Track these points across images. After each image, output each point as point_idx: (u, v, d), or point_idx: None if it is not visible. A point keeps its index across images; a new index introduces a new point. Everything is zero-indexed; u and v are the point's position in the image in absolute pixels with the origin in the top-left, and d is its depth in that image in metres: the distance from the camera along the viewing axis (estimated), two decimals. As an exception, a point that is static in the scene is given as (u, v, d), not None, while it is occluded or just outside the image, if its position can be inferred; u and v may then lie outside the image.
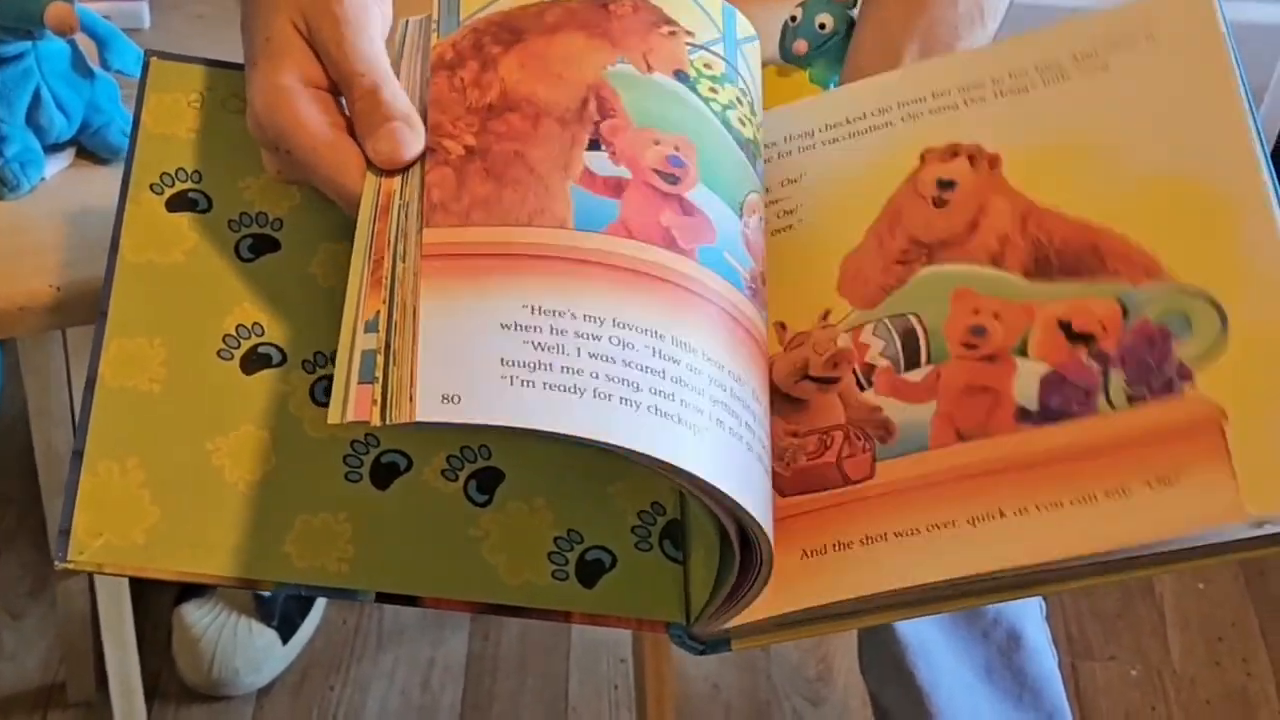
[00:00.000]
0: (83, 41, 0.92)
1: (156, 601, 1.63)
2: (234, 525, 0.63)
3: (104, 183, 0.92)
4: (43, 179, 0.91)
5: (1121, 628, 1.71)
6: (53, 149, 0.92)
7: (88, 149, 0.93)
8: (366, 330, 0.56)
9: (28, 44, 0.88)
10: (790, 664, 1.65)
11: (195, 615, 1.59)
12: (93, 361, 0.65)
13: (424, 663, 1.65)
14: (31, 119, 0.90)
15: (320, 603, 1.67)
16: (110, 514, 0.62)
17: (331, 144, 0.63)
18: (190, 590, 1.61)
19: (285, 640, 1.62)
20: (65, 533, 0.62)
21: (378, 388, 0.54)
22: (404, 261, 0.58)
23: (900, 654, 1.24)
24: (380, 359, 0.55)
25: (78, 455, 0.63)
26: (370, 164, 0.63)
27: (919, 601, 0.60)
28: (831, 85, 1.00)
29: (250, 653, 1.59)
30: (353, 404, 0.54)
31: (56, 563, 0.62)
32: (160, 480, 0.63)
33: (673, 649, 1.41)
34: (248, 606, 1.60)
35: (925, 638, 1.24)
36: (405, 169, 0.62)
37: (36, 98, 0.90)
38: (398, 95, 0.63)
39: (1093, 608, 1.72)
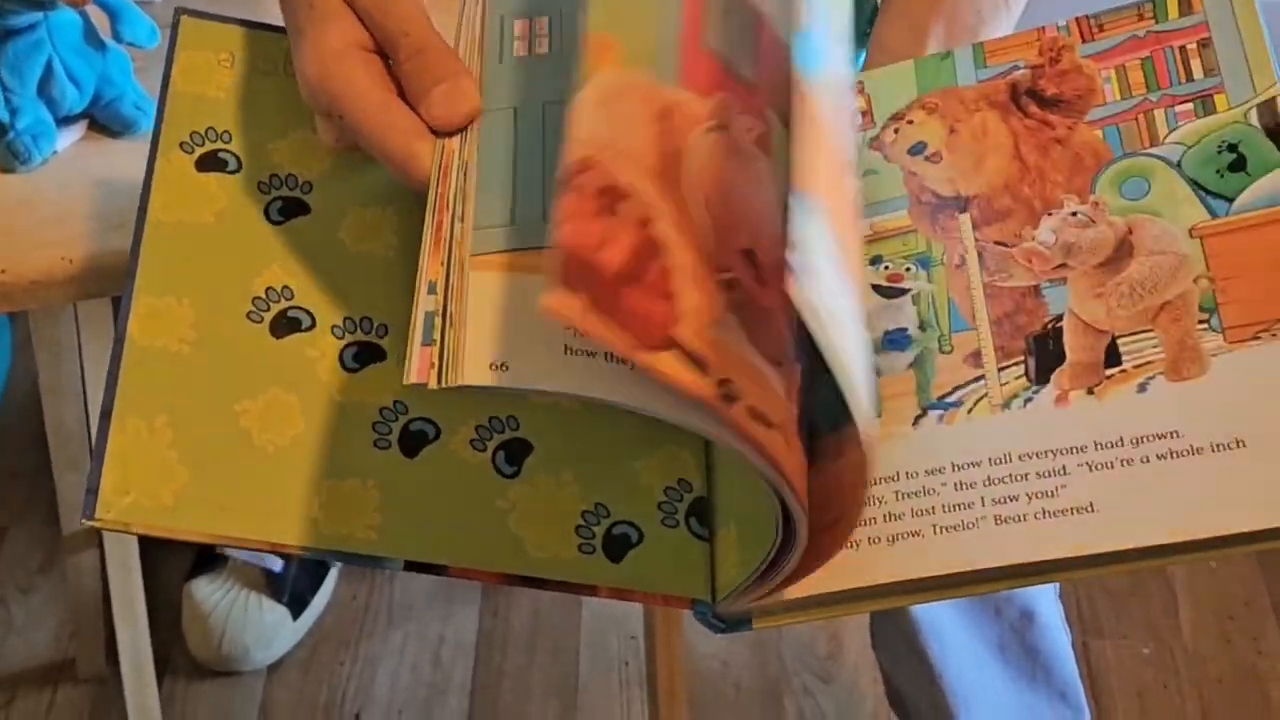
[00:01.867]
0: (94, 13, 0.91)
1: (166, 577, 1.63)
2: (262, 488, 0.62)
3: (116, 155, 0.91)
4: (54, 152, 0.90)
5: (1133, 606, 1.71)
6: (64, 121, 0.91)
7: (100, 122, 0.93)
8: (429, 292, 0.56)
9: (39, 15, 0.88)
10: (801, 642, 1.65)
11: (205, 591, 1.59)
12: (121, 319, 0.65)
13: (434, 639, 1.65)
14: (43, 91, 0.90)
15: (330, 579, 1.67)
16: (138, 473, 0.62)
17: (383, 106, 0.62)
18: (200, 566, 1.61)
19: (295, 616, 1.62)
20: (92, 491, 0.61)
21: (435, 350, 0.54)
22: (461, 221, 0.58)
23: (912, 632, 1.24)
24: (438, 321, 0.55)
25: (106, 414, 0.62)
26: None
27: (946, 586, 0.60)
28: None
29: (260, 629, 1.59)
30: (415, 366, 0.54)
31: (83, 521, 0.61)
32: (188, 441, 0.63)
33: (685, 626, 1.41)
34: (258, 583, 1.60)
35: (937, 616, 1.24)
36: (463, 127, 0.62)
37: (48, 70, 0.89)
38: (444, 54, 0.63)
39: (1104, 586, 1.72)
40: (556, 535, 0.64)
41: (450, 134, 0.62)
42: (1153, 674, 1.64)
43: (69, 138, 0.92)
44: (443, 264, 0.57)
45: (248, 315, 0.66)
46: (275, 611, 1.60)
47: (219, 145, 0.70)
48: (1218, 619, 1.70)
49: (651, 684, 1.44)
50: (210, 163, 0.69)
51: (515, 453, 0.66)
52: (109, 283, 0.85)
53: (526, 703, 1.60)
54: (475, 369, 0.53)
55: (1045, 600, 1.26)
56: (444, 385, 0.53)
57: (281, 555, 0.69)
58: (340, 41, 0.63)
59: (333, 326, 0.66)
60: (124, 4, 0.90)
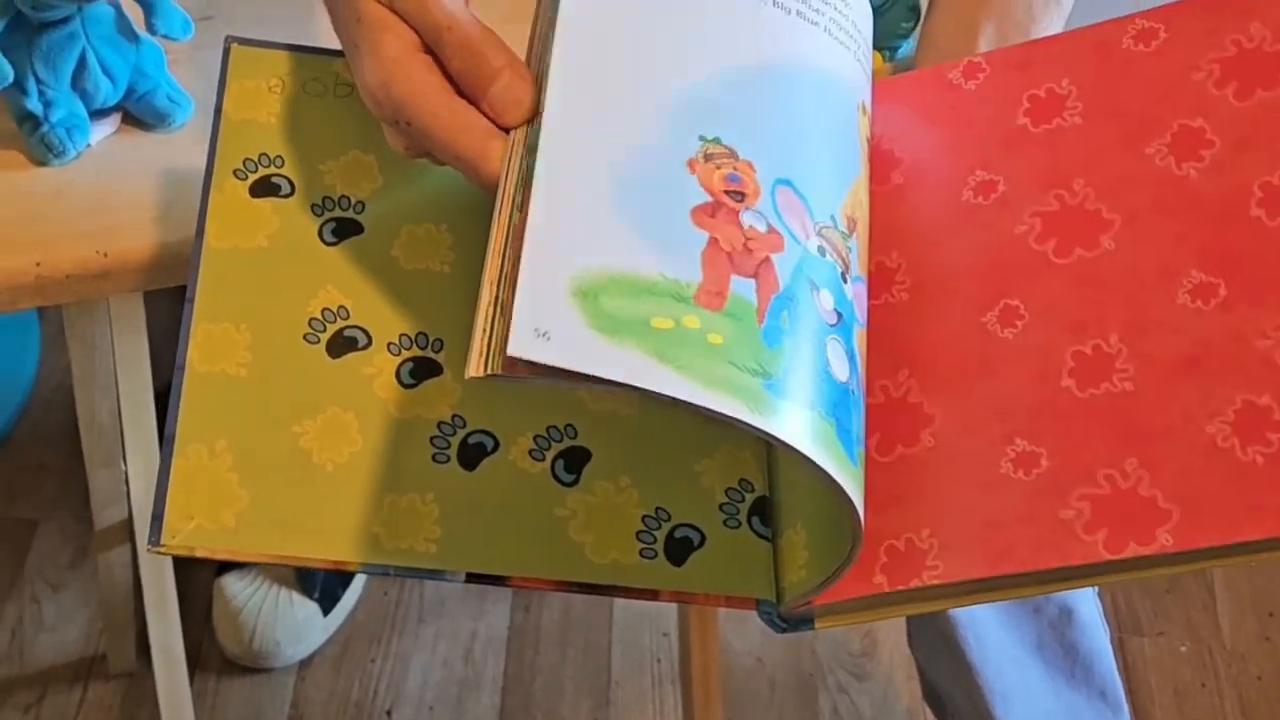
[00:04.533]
0: (127, 5, 0.90)
1: (197, 572, 1.63)
2: (322, 507, 0.63)
3: (150, 149, 0.91)
4: (89, 145, 0.90)
5: (1171, 603, 1.69)
6: (98, 114, 0.91)
7: (133, 114, 0.92)
8: (492, 286, 0.56)
9: (74, 7, 0.87)
10: (835, 639, 1.64)
11: (236, 587, 1.59)
12: (181, 347, 0.65)
13: (465, 635, 1.64)
14: (77, 84, 0.89)
15: (361, 576, 1.67)
16: (200, 497, 0.62)
17: (449, 108, 0.62)
18: (231, 561, 1.61)
19: (326, 612, 1.62)
20: (158, 518, 0.62)
21: (485, 339, 0.54)
22: (520, 211, 0.57)
23: (950, 628, 1.23)
24: (492, 310, 0.55)
25: (169, 441, 0.63)
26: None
27: (1009, 586, 0.59)
28: (889, 50, 0.98)
29: (291, 625, 1.59)
30: (474, 359, 0.54)
31: (148, 548, 0.62)
32: (249, 463, 0.63)
33: (719, 623, 1.40)
34: (289, 579, 1.60)
35: (975, 613, 1.23)
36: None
37: (82, 62, 0.89)
38: (492, 46, 0.62)
39: (1141, 583, 1.70)
40: (618, 541, 0.64)
41: (515, 128, 0.62)
42: (1191, 672, 1.63)
43: (103, 131, 0.91)
44: (500, 254, 0.57)
45: (304, 337, 0.67)
46: (306, 607, 1.60)
47: (272, 170, 0.71)
48: (1257, 617, 1.68)
49: (686, 681, 1.44)
50: (264, 188, 0.70)
51: (574, 461, 0.66)
52: (144, 277, 0.85)
53: (559, 699, 1.59)
54: (520, 339, 0.52)
55: (1084, 598, 1.25)
56: (489, 372, 0.52)
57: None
58: (396, 48, 0.62)
59: (389, 344, 0.67)
60: (158, -4, 0.89)
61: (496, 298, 0.55)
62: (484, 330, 0.54)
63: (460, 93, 0.62)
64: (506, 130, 0.61)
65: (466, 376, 0.53)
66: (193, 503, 0.62)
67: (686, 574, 0.64)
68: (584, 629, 1.65)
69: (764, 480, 0.66)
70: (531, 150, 0.58)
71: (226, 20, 0.97)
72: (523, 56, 0.64)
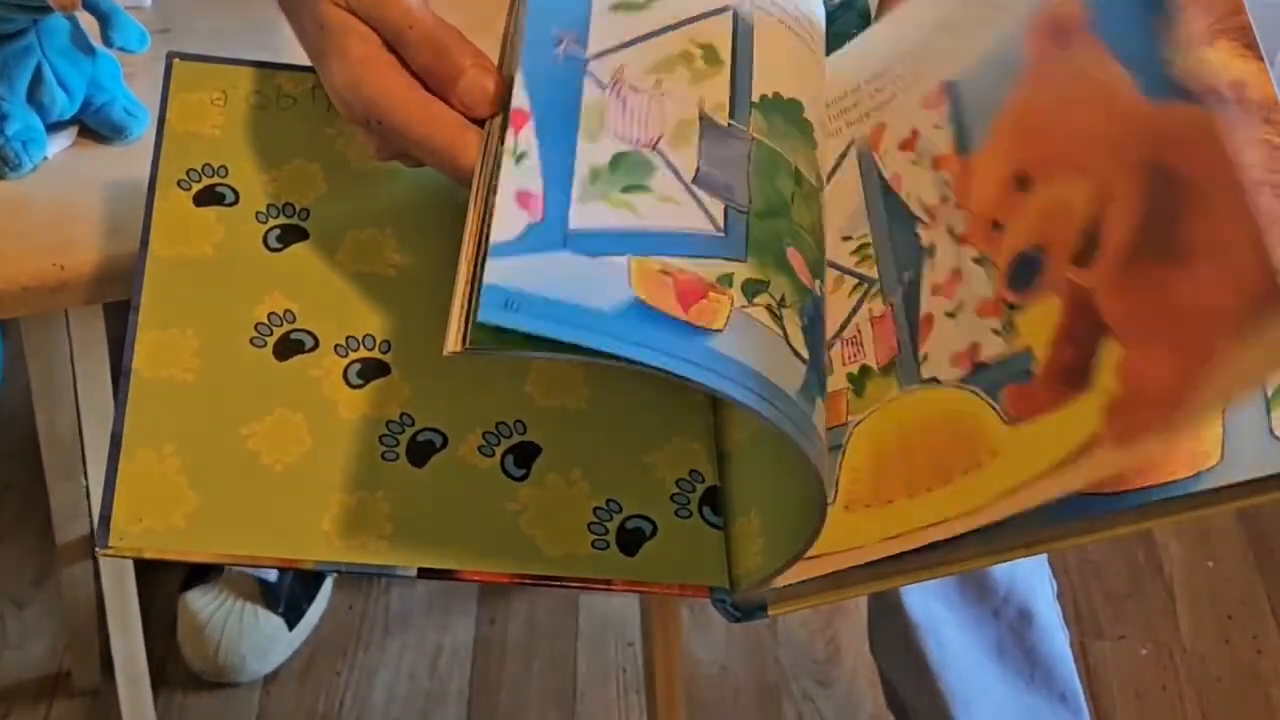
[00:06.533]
0: (83, 18, 0.91)
1: (161, 588, 1.62)
2: (272, 507, 0.63)
3: (107, 161, 0.91)
4: (45, 158, 0.90)
5: (1131, 606, 1.70)
6: (55, 127, 0.91)
7: (90, 127, 0.92)
8: (468, 265, 0.57)
9: (29, 20, 0.87)
10: (798, 645, 1.65)
11: (201, 602, 1.59)
12: (126, 353, 0.66)
13: (431, 648, 1.64)
14: (33, 97, 0.89)
15: (326, 589, 1.67)
16: (149, 500, 0.63)
17: (420, 103, 0.63)
18: (195, 577, 1.61)
19: (291, 626, 1.61)
20: (105, 520, 0.62)
21: (461, 315, 0.55)
22: (495, 195, 0.58)
23: (910, 633, 1.24)
24: (468, 289, 0.56)
25: (116, 444, 0.64)
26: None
27: (949, 561, 0.59)
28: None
29: (256, 639, 1.58)
30: (452, 334, 0.55)
31: (97, 550, 0.62)
32: (197, 466, 0.64)
33: (682, 632, 1.40)
34: (253, 593, 1.60)
35: (935, 616, 1.24)
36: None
37: (37, 75, 0.89)
38: (454, 40, 0.63)
39: (1102, 586, 1.72)
40: (569, 533, 0.65)
41: (487, 119, 0.63)
42: (1152, 674, 1.64)
43: (59, 144, 0.91)
44: (477, 237, 0.58)
45: (251, 341, 0.67)
46: (271, 622, 1.60)
47: (216, 180, 0.72)
48: (1216, 618, 1.70)
49: (650, 690, 1.44)
50: (208, 197, 0.71)
51: (524, 456, 0.67)
52: (102, 289, 0.85)
53: (524, 711, 1.59)
54: (488, 308, 0.53)
55: (1043, 600, 1.26)
56: (467, 345, 0.53)
57: (294, 570, 0.69)
58: (362, 50, 0.64)
59: (335, 346, 0.68)
60: (114, 9, 0.89)
61: (473, 276, 0.56)
62: (461, 307, 0.55)
63: (428, 89, 0.63)
64: (479, 122, 0.62)
65: (445, 352, 0.54)
66: (141, 505, 0.62)
67: (639, 564, 0.64)
68: (549, 640, 1.65)
69: (714, 471, 0.67)
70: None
71: (184, 33, 0.97)
72: (495, 60, 0.65)
